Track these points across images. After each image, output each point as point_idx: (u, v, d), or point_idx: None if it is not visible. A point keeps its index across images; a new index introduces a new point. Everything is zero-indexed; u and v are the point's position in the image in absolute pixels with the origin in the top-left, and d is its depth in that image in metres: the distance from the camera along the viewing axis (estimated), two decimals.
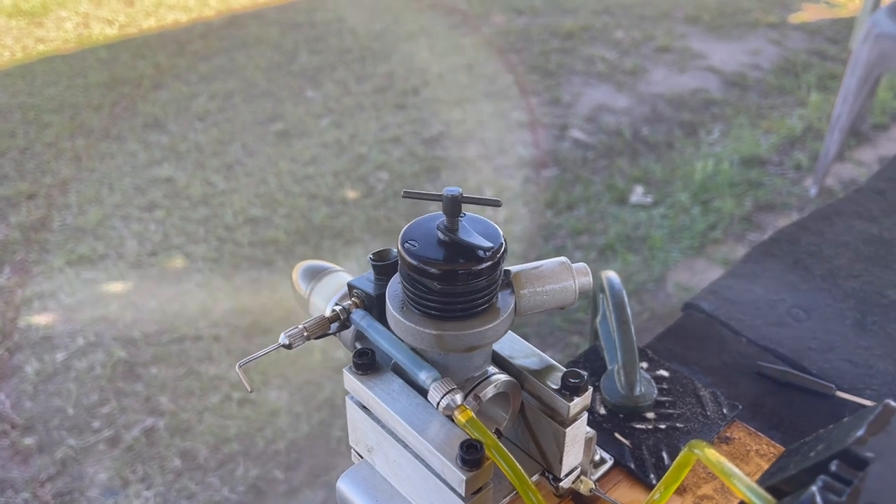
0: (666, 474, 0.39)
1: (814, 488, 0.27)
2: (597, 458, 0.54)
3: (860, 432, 0.30)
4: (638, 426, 0.57)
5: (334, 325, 0.45)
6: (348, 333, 0.49)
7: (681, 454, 0.37)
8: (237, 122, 3.23)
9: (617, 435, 0.56)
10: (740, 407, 0.58)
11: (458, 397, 0.39)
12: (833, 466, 0.29)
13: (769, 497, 0.30)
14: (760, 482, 0.33)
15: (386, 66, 3.71)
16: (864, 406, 0.59)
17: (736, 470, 0.32)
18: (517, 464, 0.38)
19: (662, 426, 0.57)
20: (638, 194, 2.73)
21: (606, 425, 0.57)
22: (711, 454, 0.34)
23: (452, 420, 0.40)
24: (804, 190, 2.77)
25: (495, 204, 0.40)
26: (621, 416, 0.58)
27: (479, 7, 4.41)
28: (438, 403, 0.39)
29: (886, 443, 0.29)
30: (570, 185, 2.79)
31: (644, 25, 4.16)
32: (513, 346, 0.47)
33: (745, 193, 2.73)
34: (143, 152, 3.03)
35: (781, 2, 4.48)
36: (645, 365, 0.62)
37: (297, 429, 1.88)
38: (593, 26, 4.15)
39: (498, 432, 0.45)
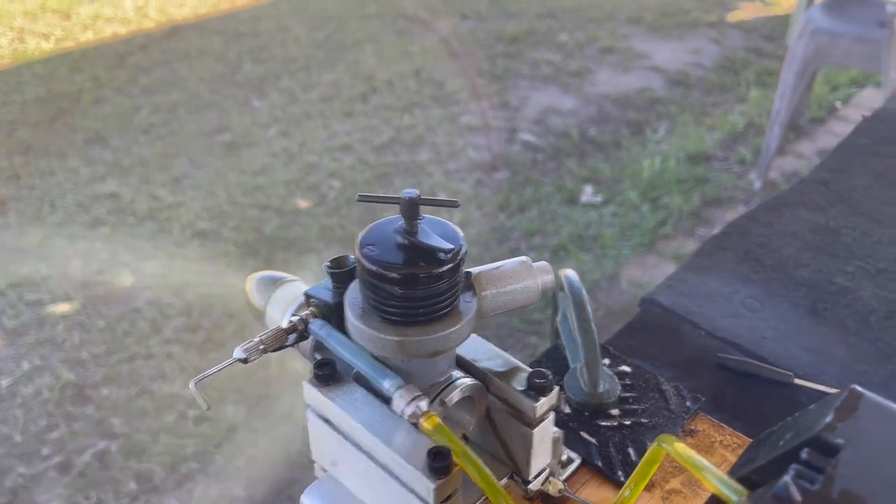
0: (635, 470, 0.38)
1: (786, 478, 0.27)
2: (564, 457, 0.53)
3: (829, 418, 0.30)
4: (603, 423, 0.57)
5: (292, 337, 0.44)
6: (307, 344, 0.48)
7: (650, 450, 0.37)
8: (182, 135, 3.16)
9: (583, 433, 0.56)
10: (703, 399, 0.58)
11: (424, 404, 0.38)
12: (804, 454, 0.29)
13: (741, 488, 0.30)
14: (730, 474, 0.33)
15: (332, 74, 3.68)
16: (821, 392, 0.60)
17: (706, 463, 0.32)
18: (486, 469, 0.38)
19: (627, 422, 0.57)
20: (588, 194, 2.76)
21: (572, 424, 0.57)
22: (681, 448, 0.34)
23: (418, 428, 0.39)
24: (749, 183, 2.84)
25: (453, 205, 0.39)
26: (586, 414, 0.58)
27: (424, 13, 4.42)
28: (404, 411, 0.38)
29: (855, 428, 0.29)
30: (521, 187, 2.80)
31: (587, 27, 4.22)
32: (476, 349, 0.46)
33: (692, 189, 2.78)
34: (85, 168, 2.95)
35: (719, 1, 4.59)
36: (607, 361, 0.62)
37: (257, 444, 1.85)
38: (538, 30, 4.19)
39: (465, 437, 0.45)
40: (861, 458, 0.28)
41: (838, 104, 3.49)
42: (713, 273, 0.77)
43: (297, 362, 2.06)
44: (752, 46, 4.00)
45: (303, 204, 2.72)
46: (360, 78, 3.64)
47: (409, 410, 0.38)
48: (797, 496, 0.26)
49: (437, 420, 0.38)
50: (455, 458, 0.37)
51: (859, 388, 0.31)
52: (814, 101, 3.40)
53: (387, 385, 0.39)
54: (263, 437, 1.87)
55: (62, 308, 2.28)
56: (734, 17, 4.39)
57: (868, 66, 2.47)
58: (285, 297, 0.50)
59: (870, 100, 3.47)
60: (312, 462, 0.48)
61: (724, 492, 0.30)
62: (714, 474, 0.31)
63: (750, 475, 0.31)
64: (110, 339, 2.15)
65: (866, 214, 0.86)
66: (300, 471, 1.80)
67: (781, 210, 0.88)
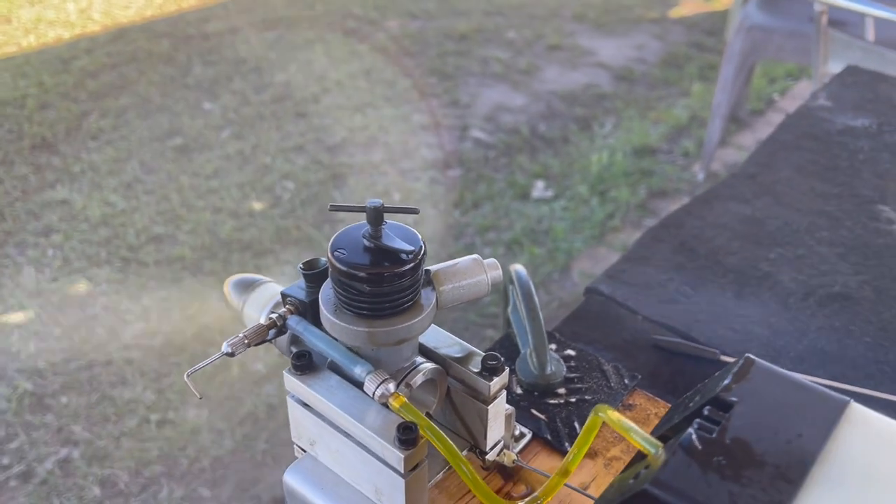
0: (577, 438, 0.45)
1: (690, 429, 0.34)
2: (517, 432, 0.60)
3: (726, 381, 0.36)
4: (551, 402, 0.63)
5: (272, 332, 0.49)
6: (283, 339, 0.53)
7: (588, 419, 0.43)
8: (133, 139, 3.14)
9: (533, 411, 0.62)
10: (640, 377, 0.65)
11: (392, 386, 0.44)
12: (706, 411, 0.35)
13: (658, 442, 0.36)
14: (653, 433, 0.39)
15: (284, 74, 3.70)
16: None
17: (632, 425, 0.38)
18: (448, 439, 0.43)
19: (573, 399, 0.63)
20: (539, 189, 2.84)
21: (523, 403, 0.63)
22: (613, 414, 0.40)
23: (387, 407, 0.44)
24: (692, 175, 2.95)
25: (413, 212, 0.45)
26: (536, 393, 0.64)
27: (373, 12, 4.45)
28: (374, 393, 0.44)
29: (747, 388, 0.36)
30: (474, 184, 2.87)
31: (534, 25, 4.30)
32: (437, 338, 0.52)
33: (638, 182, 2.88)
34: (34, 175, 2.92)
35: None
36: (553, 346, 0.68)
37: (221, 445, 1.87)
38: (486, 28, 4.26)
39: (428, 415, 0.50)
40: (750, 410, 0.34)
41: (776, 96, 3.64)
42: (651, 263, 0.84)
43: (257, 363, 2.09)
44: (694, 41, 4.13)
45: (257, 206, 2.74)
46: (311, 78, 3.66)
47: (378, 392, 0.43)
48: (697, 443, 0.33)
49: (404, 399, 0.43)
50: (421, 432, 0.43)
51: (752, 356, 0.37)
52: (753, 94, 3.53)
53: (358, 371, 0.44)
54: (227, 438, 1.89)
55: (16, 317, 2.26)
56: (676, 13, 4.52)
57: (801, 59, 2.59)
58: (261, 298, 0.55)
59: (805, 92, 3.63)
60: (292, 444, 0.53)
61: (645, 446, 0.36)
62: (637, 433, 0.37)
63: (666, 432, 0.37)
64: (67, 347, 2.15)
65: (788, 205, 0.94)
66: (264, 469, 1.83)
67: (713, 203, 0.96)
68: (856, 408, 0.35)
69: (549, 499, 0.48)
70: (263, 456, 1.86)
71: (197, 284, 2.37)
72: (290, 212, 2.70)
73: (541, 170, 2.94)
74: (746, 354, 0.37)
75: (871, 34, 2.25)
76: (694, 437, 0.33)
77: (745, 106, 3.42)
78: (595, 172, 2.90)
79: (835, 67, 2.12)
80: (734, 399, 0.35)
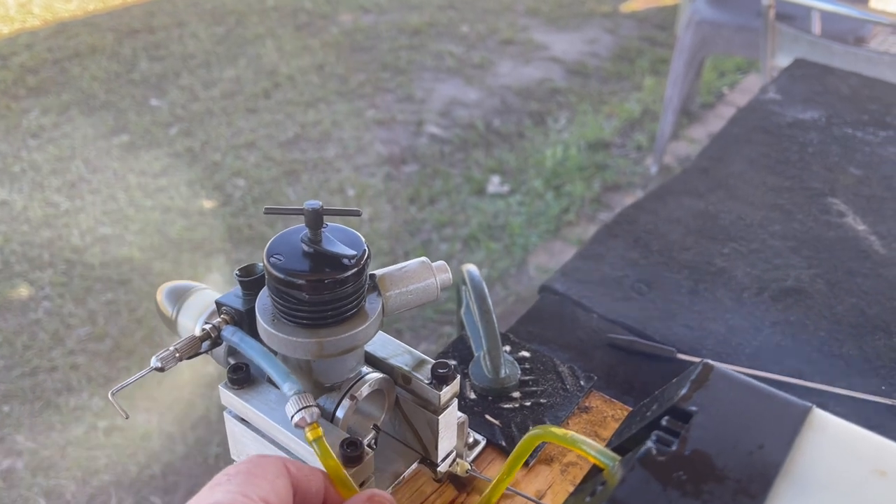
0: (500, 473, 0.42)
1: (649, 442, 0.32)
2: (470, 440, 0.57)
3: (684, 390, 0.34)
4: (506, 406, 0.61)
5: (205, 344, 0.46)
6: (220, 350, 0.50)
7: (516, 447, 0.41)
8: (76, 137, 3.04)
9: (487, 416, 0.60)
10: (596, 378, 0.64)
11: (314, 413, 0.39)
12: (664, 422, 0.33)
13: (614, 455, 0.34)
14: (608, 445, 0.37)
15: (233, 70, 3.62)
16: None
17: (582, 437, 0.36)
18: (346, 476, 0.39)
19: (528, 403, 0.61)
20: (495, 184, 2.83)
21: (477, 409, 0.61)
22: (556, 430, 0.38)
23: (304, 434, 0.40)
24: (646, 169, 2.98)
25: (355, 214, 0.42)
26: (490, 398, 0.62)
27: (324, 6, 4.38)
28: (293, 417, 0.40)
29: (706, 396, 0.34)
30: (430, 180, 2.84)
31: (487, 19, 4.29)
32: (385, 347, 0.49)
33: (593, 176, 2.89)
34: None
35: None
36: (508, 348, 0.66)
37: (173, 450, 1.82)
38: (439, 22, 4.23)
39: (376, 427, 0.48)
40: (710, 420, 0.33)
41: (726, 90, 3.69)
42: (605, 260, 0.82)
43: (209, 366, 2.04)
44: (646, 36, 4.16)
45: (208, 204, 2.68)
46: (262, 73, 3.59)
47: (297, 417, 0.40)
48: (656, 457, 0.31)
49: (320, 433, 0.39)
50: (328, 470, 0.39)
51: (710, 362, 0.36)
52: (703, 88, 3.58)
53: (285, 389, 0.41)
54: (178, 443, 1.84)
55: None
56: (627, 7, 4.55)
57: (750, 53, 2.63)
58: (196, 306, 0.51)
59: (753, 85, 3.69)
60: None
61: (600, 459, 0.34)
62: (591, 446, 0.35)
63: (623, 444, 0.36)
64: (9, 354, 2.07)
65: (741, 198, 0.94)
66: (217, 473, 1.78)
67: (666, 198, 0.95)
68: (818, 414, 0.33)
69: None
70: (217, 460, 1.81)
71: (146, 285, 2.30)
72: (241, 210, 2.64)
73: (496, 165, 2.93)
74: (704, 360, 0.36)
75: (817, 28, 2.29)
76: (653, 450, 0.31)
77: (696, 99, 3.46)
78: (550, 167, 2.90)
79: (782, 61, 2.14)
80: (693, 408, 0.33)
